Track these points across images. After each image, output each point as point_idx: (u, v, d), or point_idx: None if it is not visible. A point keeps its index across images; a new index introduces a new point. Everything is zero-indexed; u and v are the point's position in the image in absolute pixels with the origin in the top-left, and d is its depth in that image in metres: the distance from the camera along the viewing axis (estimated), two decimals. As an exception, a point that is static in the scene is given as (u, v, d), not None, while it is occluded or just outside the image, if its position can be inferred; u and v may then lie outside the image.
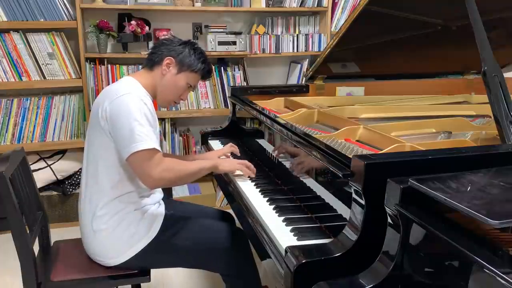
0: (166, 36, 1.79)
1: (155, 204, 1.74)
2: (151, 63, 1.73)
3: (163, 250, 1.65)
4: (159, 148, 1.57)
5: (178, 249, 1.66)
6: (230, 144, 2.04)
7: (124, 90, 1.59)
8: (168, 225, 1.68)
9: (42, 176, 2.99)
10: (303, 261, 1.09)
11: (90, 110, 2.22)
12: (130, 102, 1.55)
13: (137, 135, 1.52)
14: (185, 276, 2.46)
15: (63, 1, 2.89)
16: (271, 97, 2.38)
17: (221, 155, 1.99)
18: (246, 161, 1.82)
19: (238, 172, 1.81)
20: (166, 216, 1.71)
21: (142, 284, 1.87)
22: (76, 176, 3.09)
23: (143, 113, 1.56)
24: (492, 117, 1.41)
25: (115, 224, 1.61)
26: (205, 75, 1.78)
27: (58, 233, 2.11)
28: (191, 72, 1.73)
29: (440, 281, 0.93)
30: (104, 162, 1.61)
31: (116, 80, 1.99)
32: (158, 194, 1.80)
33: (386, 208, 1.06)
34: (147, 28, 3.08)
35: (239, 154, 2.01)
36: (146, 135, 1.53)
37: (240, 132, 2.38)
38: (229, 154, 2.03)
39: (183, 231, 1.68)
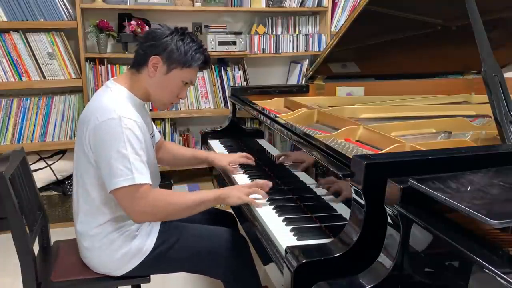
0: (151, 28, 1.56)
1: None
2: (137, 63, 1.55)
3: (160, 263, 1.60)
4: (145, 180, 1.42)
5: (176, 261, 1.61)
6: (245, 154, 1.91)
7: (106, 111, 1.43)
8: (163, 239, 1.60)
9: (42, 176, 2.99)
10: (303, 261, 1.09)
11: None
12: (111, 129, 1.41)
13: (117, 169, 1.39)
14: (185, 277, 2.45)
15: (63, 1, 2.89)
16: (271, 97, 2.38)
17: (231, 161, 1.87)
18: (257, 181, 1.59)
19: (254, 196, 1.54)
20: (161, 229, 1.62)
21: (142, 285, 1.87)
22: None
23: (126, 140, 1.40)
24: (492, 117, 1.41)
25: (108, 243, 1.55)
26: (202, 66, 1.58)
27: (58, 233, 2.10)
28: (183, 68, 1.53)
29: (440, 281, 0.93)
30: (94, 186, 1.51)
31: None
32: None
33: (386, 208, 1.06)
34: (147, 28, 3.08)
35: (253, 163, 1.89)
36: (128, 168, 1.39)
37: (240, 132, 2.38)
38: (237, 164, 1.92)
39: (180, 243, 1.60)
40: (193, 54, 1.53)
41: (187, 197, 1.50)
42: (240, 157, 1.91)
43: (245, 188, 1.56)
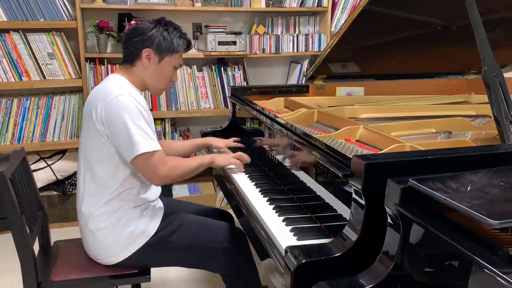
0: (134, 25, 1.72)
1: (153, 201, 1.74)
2: (130, 58, 1.68)
3: (162, 248, 1.65)
4: (159, 147, 1.57)
5: (177, 247, 1.66)
6: (233, 139, 2.08)
7: (117, 90, 1.57)
8: (167, 223, 1.68)
9: (42, 176, 2.99)
10: (303, 261, 1.09)
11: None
12: (124, 103, 1.54)
13: (136, 138, 1.52)
14: (185, 275, 2.46)
15: (63, 1, 2.89)
16: (271, 97, 2.38)
17: (226, 145, 2.04)
18: (239, 153, 1.89)
19: (232, 166, 1.86)
20: (165, 214, 1.71)
21: (142, 284, 1.87)
22: (76, 176, 3.09)
23: (139, 112, 1.55)
24: (492, 117, 1.41)
25: (114, 222, 1.62)
26: (187, 49, 1.74)
27: (58, 233, 2.11)
28: (172, 54, 1.68)
29: (440, 281, 0.93)
30: (103, 163, 1.60)
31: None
32: (156, 190, 1.79)
33: (386, 208, 1.06)
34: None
35: (241, 146, 2.07)
36: (145, 137, 1.53)
37: (240, 132, 2.38)
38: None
39: (182, 229, 1.68)
40: (178, 40, 1.69)
41: (190, 161, 1.72)
42: (233, 141, 2.09)
43: (230, 156, 1.86)
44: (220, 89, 3.31)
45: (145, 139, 1.53)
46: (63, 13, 2.89)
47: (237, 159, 1.85)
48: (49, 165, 3.03)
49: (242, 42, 3.22)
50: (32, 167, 2.92)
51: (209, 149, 2.38)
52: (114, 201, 1.62)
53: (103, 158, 1.60)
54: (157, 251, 1.65)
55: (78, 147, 1.70)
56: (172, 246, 1.66)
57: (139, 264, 1.67)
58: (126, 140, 1.52)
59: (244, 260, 1.72)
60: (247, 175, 1.85)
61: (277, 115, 1.90)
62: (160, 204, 1.77)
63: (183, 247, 1.67)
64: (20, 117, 2.95)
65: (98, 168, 1.61)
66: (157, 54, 1.66)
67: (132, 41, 1.66)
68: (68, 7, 2.93)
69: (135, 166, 1.58)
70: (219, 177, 2.04)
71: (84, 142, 1.65)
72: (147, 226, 1.64)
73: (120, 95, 1.55)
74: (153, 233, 1.64)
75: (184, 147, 2.05)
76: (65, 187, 3.05)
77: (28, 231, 1.57)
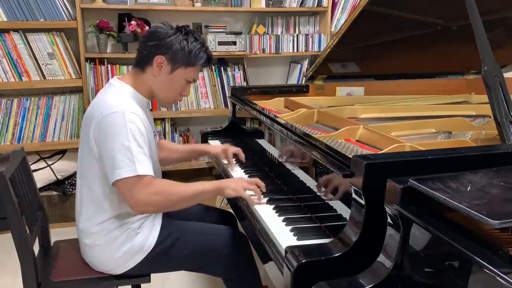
0: (154, 27, 1.59)
1: (151, 214, 1.64)
2: (141, 63, 1.56)
3: (161, 261, 1.61)
4: (147, 171, 1.44)
5: (178, 257, 1.62)
6: (235, 149, 1.96)
7: (111, 106, 1.46)
8: (165, 236, 1.60)
9: (42, 176, 2.99)
10: (303, 261, 1.09)
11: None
12: (114, 122, 1.43)
13: (120, 161, 1.41)
14: (185, 277, 2.45)
15: (63, 1, 2.89)
16: (271, 97, 2.38)
17: (224, 149, 1.92)
18: (255, 179, 1.60)
19: (249, 192, 1.56)
20: (162, 227, 1.62)
21: (142, 285, 1.87)
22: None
23: (130, 133, 1.43)
24: (492, 117, 1.41)
25: (110, 241, 1.55)
26: (205, 65, 1.60)
27: (58, 233, 2.11)
28: (187, 67, 1.55)
29: (440, 281, 0.93)
30: (98, 183, 1.52)
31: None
32: None
33: (386, 208, 1.06)
34: (147, 28, 3.08)
35: (243, 160, 1.94)
36: (130, 158, 1.42)
37: (240, 132, 2.38)
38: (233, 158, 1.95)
39: (181, 241, 1.61)
40: (197, 53, 1.55)
41: (187, 188, 1.53)
42: (232, 151, 1.94)
43: (244, 183, 1.57)
44: (220, 89, 3.31)
45: (130, 162, 1.41)
46: (63, 13, 2.89)
47: (255, 186, 1.57)
48: (49, 165, 3.03)
49: (242, 42, 3.22)
50: (32, 167, 2.92)
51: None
52: (110, 221, 1.55)
53: (98, 178, 1.51)
54: (157, 264, 1.61)
55: (77, 158, 1.61)
56: (172, 258, 1.61)
57: (139, 274, 1.63)
58: (110, 162, 1.43)
59: (246, 264, 1.67)
60: (247, 176, 1.85)
61: (277, 115, 1.90)
62: (158, 218, 1.66)
63: (183, 257, 1.62)
64: (20, 117, 2.95)
65: (93, 187, 1.53)
66: (170, 64, 1.54)
67: (147, 44, 1.54)
68: (68, 7, 2.93)
69: (117, 190, 1.47)
70: (219, 178, 2.04)
71: (81, 159, 1.57)
72: (145, 243, 1.57)
73: (112, 113, 1.44)
74: (151, 247, 1.58)
75: (179, 149, 1.98)
76: (65, 187, 3.05)
77: (28, 231, 1.57)
